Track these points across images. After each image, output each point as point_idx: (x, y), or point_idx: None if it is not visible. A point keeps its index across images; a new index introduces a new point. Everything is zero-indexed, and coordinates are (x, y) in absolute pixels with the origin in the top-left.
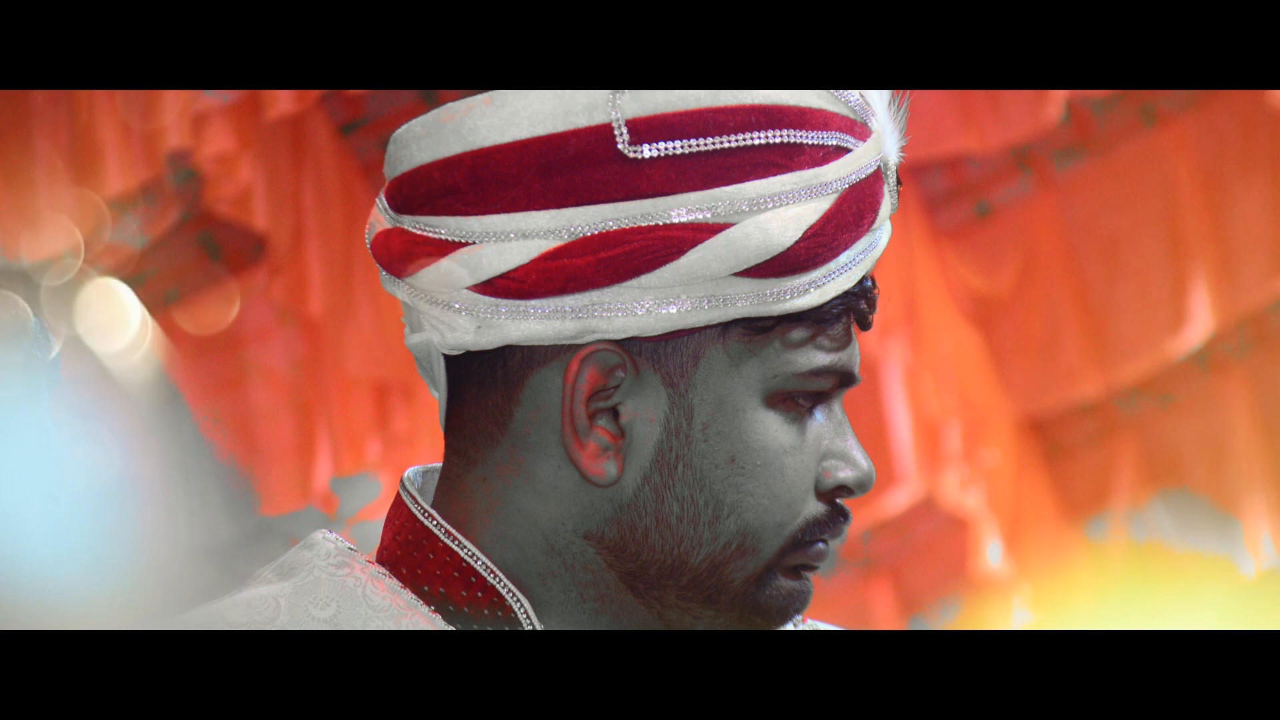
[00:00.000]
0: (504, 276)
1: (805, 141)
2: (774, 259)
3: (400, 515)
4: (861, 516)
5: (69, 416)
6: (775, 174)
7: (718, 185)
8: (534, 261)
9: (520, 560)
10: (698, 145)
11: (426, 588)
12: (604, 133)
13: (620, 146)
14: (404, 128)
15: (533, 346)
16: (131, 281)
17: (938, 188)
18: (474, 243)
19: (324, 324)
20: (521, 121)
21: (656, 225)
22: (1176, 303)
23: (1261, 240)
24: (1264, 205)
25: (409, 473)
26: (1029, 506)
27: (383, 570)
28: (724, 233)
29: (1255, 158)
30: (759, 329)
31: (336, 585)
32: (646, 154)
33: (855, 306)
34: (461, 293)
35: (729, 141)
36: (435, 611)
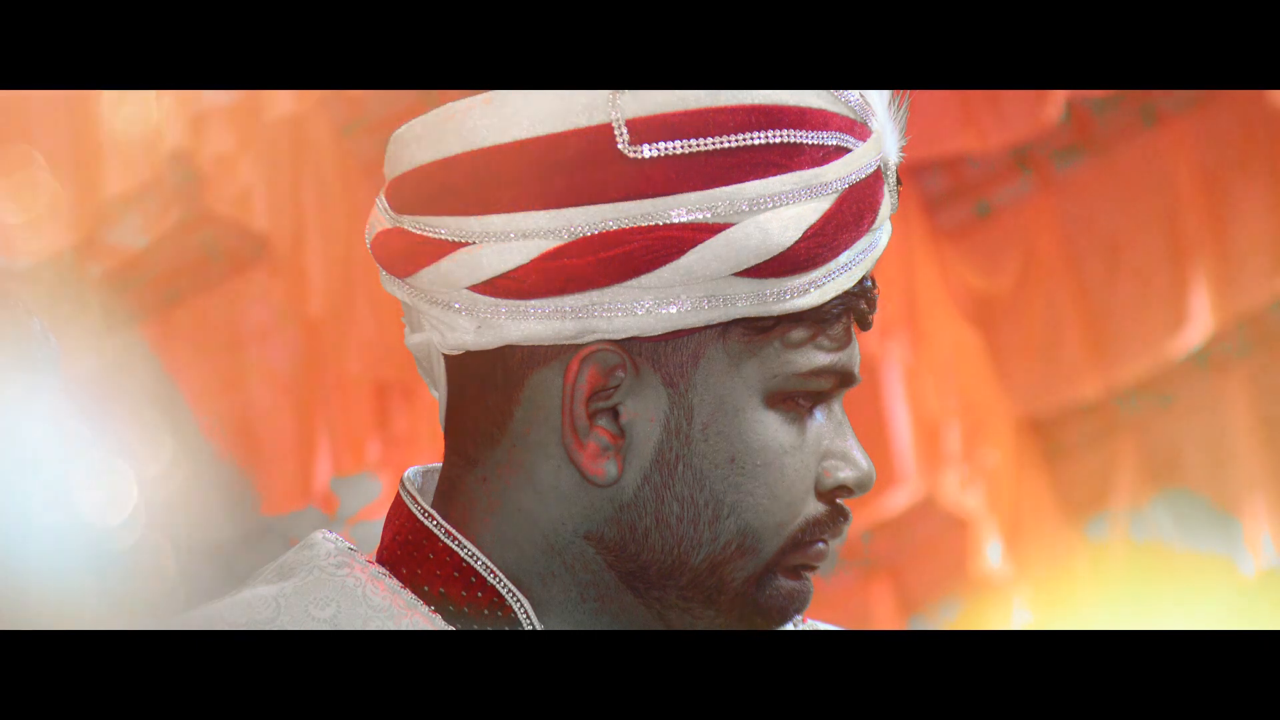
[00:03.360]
0: (504, 276)
1: (805, 141)
2: (774, 259)
3: (400, 515)
4: (861, 516)
5: (69, 417)
6: (775, 174)
7: (718, 185)
8: (534, 261)
9: (520, 560)
10: (697, 145)
11: (426, 588)
12: (604, 132)
13: (620, 146)
14: (404, 128)
15: (533, 346)
16: (131, 281)
17: (938, 188)
18: (474, 243)
19: (324, 324)
20: (521, 121)
21: (656, 225)
22: (1176, 303)
23: (1261, 240)
24: (1264, 205)
25: (409, 473)
26: (1029, 506)
27: (383, 570)
28: (724, 233)
29: (1255, 158)
30: (759, 329)
31: (336, 585)
32: (646, 154)
33: (855, 306)
34: (461, 293)
35: (729, 141)
36: (435, 611)
